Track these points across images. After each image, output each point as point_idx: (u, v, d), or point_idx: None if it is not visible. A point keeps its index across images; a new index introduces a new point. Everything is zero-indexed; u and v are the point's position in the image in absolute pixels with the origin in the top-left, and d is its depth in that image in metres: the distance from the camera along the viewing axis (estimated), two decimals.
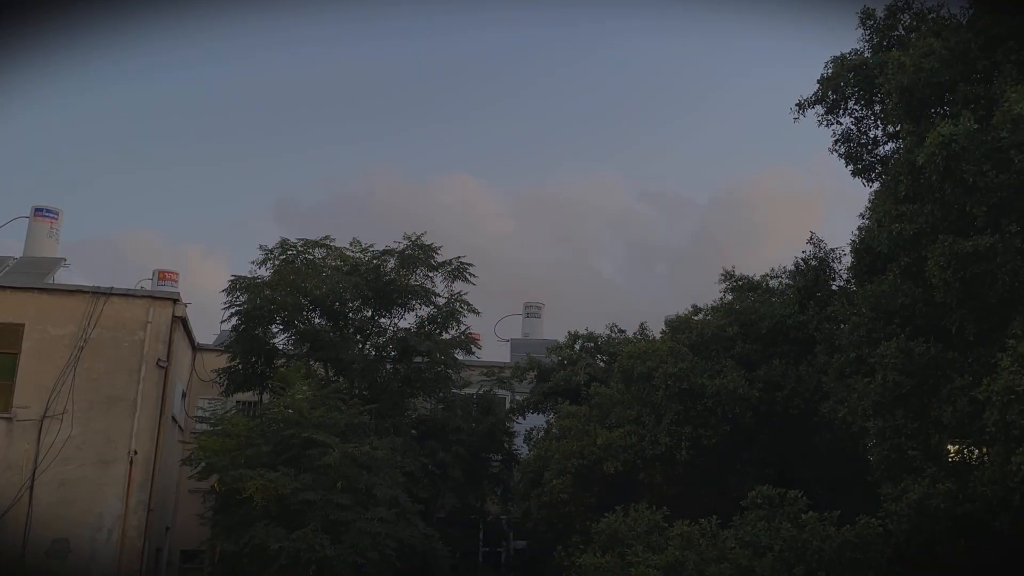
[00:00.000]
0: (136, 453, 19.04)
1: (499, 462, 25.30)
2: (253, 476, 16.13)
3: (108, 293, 19.78)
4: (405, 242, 21.86)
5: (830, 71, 18.40)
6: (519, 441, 25.53)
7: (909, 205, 14.92)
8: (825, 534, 14.92)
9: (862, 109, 18.46)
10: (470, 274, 22.23)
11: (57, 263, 28.42)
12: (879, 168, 18.52)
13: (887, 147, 18.70)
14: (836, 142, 18.79)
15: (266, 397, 21.10)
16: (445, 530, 21.31)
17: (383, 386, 21.52)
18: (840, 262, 21.07)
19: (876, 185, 18.11)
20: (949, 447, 14.90)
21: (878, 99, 17.72)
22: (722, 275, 22.67)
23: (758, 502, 16.22)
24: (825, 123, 18.76)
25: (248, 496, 16.11)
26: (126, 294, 20.18)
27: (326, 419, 17.42)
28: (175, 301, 20.54)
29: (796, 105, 18.76)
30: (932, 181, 14.11)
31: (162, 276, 31.25)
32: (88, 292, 19.79)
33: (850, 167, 18.81)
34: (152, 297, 20.68)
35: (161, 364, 19.65)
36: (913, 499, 13.89)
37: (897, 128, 17.16)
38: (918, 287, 15.54)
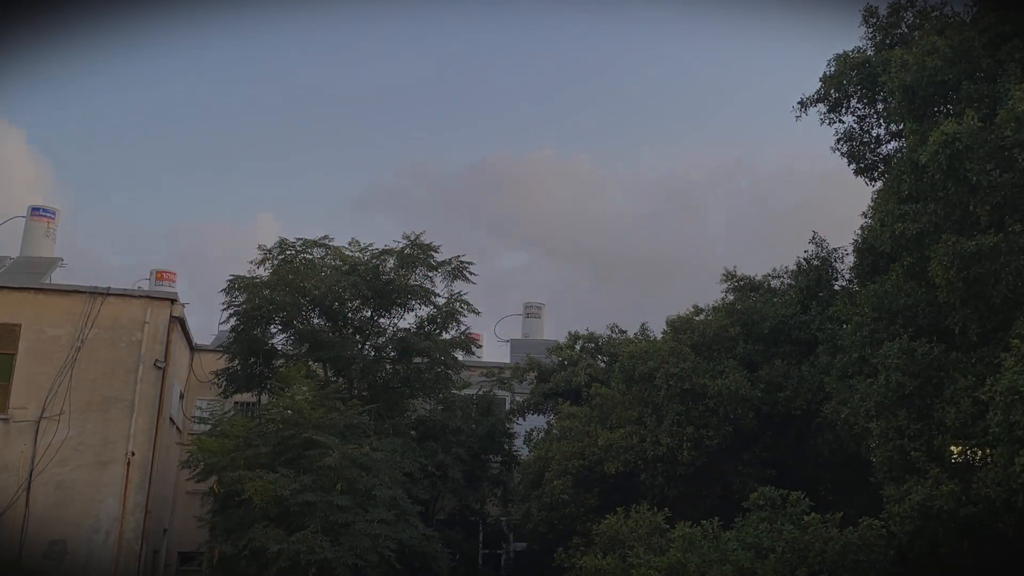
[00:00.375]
0: (133, 454, 18.94)
1: (499, 463, 25.15)
2: (252, 477, 16.01)
3: (105, 293, 19.71)
4: (404, 241, 21.75)
5: (832, 69, 18.32)
6: (519, 442, 25.40)
7: (912, 204, 14.83)
8: (827, 536, 14.81)
9: (865, 107, 18.38)
10: (470, 273, 22.13)
11: (54, 263, 28.34)
12: (882, 167, 18.45)
13: (890, 146, 18.67)
14: (838, 141, 18.71)
15: (265, 398, 20.97)
16: (445, 532, 21.20)
17: (382, 386, 21.38)
18: (842, 262, 21.02)
19: (879, 184, 18.01)
20: (952, 448, 14.77)
21: (881, 97, 17.65)
22: (723, 275, 22.61)
23: (760, 503, 16.13)
24: (827, 121, 18.69)
25: (247, 498, 16.00)
26: (123, 294, 20.09)
27: (325, 420, 17.30)
28: (172, 301, 20.49)
29: (798, 103, 18.72)
30: (935, 180, 14.04)
31: (159, 276, 31.15)
32: (85, 292, 19.70)
33: (852, 166, 18.74)
34: (149, 297, 20.60)
35: (158, 365, 19.57)
36: (916, 501, 13.77)
37: (900, 127, 17.08)
38: (921, 287, 15.46)
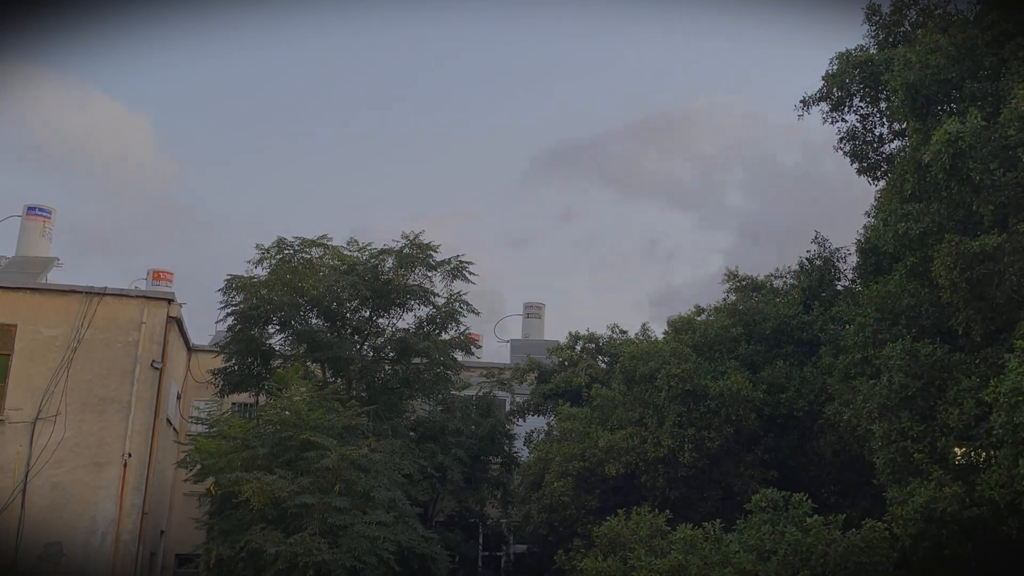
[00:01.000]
0: (130, 456, 18.77)
1: (499, 465, 25.01)
2: (249, 479, 15.86)
3: (101, 293, 19.43)
4: (403, 241, 21.59)
5: (835, 67, 18.20)
6: (519, 444, 25.27)
7: (915, 204, 14.74)
8: (830, 538, 14.72)
9: (867, 106, 18.27)
10: (469, 273, 21.96)
11: (50, 263, 28.21)
12: (885, 166, 18.35)
13: (893, 145, 18.58)
14: (841, 140, 18.61)
15: (262, 398, 20.82)
16: (444, 533, 21.09)
17: (381, 387, 21.20)
18: (845, 262, 21.00)
19: (882, 184, 17.92)
20: (956, 450, 14.69)
21: (884, 96, 17.55)
22: (725, 275, 22.56)
23: (762, 505, 16.04)
24: (830, 120, 18.58)
25: (244, 499, 15.85)
26: (120, 294, 19.82)
27: (323, 421, 17.16)
28: (170, 301, 20.20)
29: (800, 102, 18.61)
30: (938, 180, 13.94)
31: (156, 276, 31.00)
32: (81, 292, 19.43)
33: (855, 165, 18.63)
34: (146, 297, 20.32)
35: (155, 365, 19.37)
36: (919, 503, 13.70)
37: (903, 126, 17.02)
38: (924, 287, 15.39)
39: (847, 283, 20.82)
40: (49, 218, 30.53)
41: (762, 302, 21.32)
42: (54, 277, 27.09)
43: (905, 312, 15.61)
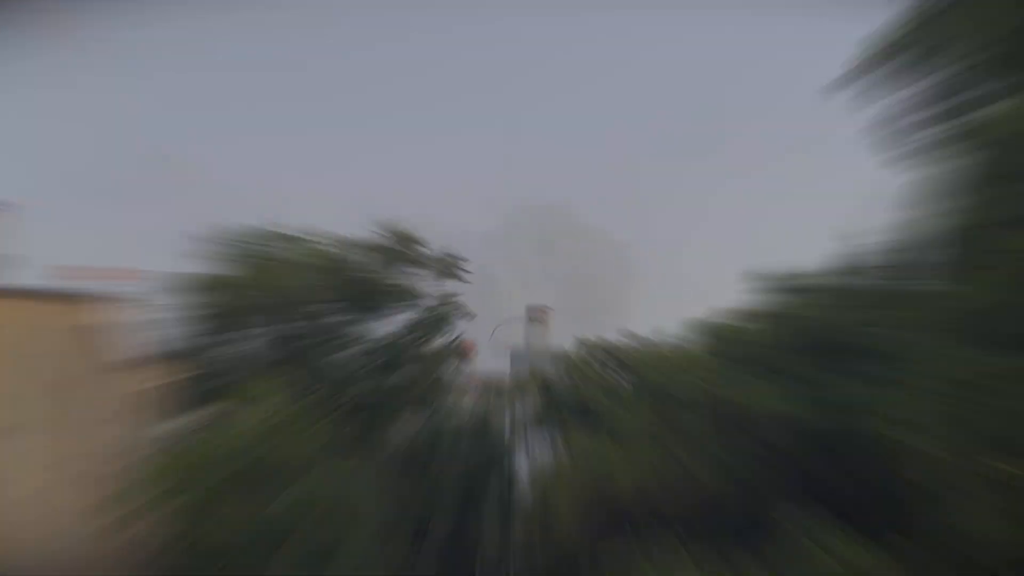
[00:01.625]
0: (86, 469, 17.40)
1: (499, 485, 23.35)
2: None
3: (56, 295, 18.78)
4: (381, 231, 19.80)
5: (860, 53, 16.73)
6: (521, 461, 23.63)
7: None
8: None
9: (893, 93, 16.69)
10: (462, 271, 20.30)
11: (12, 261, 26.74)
12: (916, 155, 16.64)
13: (934, 131, 16.80)
14: (866, 127, 17.04)
15: (226, 412, 19.13)
16: (439, 556, 20.06)
17: (361, 402, 19.57)
18: (905, 260, 19.06)
19: (917, 173, 16.18)
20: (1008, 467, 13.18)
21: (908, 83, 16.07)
22: (762, 274, 20.74)
23: (797, 533, 15.08)
24: (856, 108, 17.02)
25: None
26: (76, 296, 19.05)
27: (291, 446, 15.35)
28: (131, 304, 19.68)
29: (826, 86, 17.17)
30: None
31: (120, 276, 29.49)
32: (44, 294, 18.81)
33: (889, 154, 16.95)
34: (109, 299, 19.52)
35: (116, 371, 18.78)
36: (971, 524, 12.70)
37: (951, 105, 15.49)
38: (978, 289, 13.71)
39: (908, 285, 18.91)
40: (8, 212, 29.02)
41: (803, 306, 19.51)
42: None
43: (978, 317, 13.74)
